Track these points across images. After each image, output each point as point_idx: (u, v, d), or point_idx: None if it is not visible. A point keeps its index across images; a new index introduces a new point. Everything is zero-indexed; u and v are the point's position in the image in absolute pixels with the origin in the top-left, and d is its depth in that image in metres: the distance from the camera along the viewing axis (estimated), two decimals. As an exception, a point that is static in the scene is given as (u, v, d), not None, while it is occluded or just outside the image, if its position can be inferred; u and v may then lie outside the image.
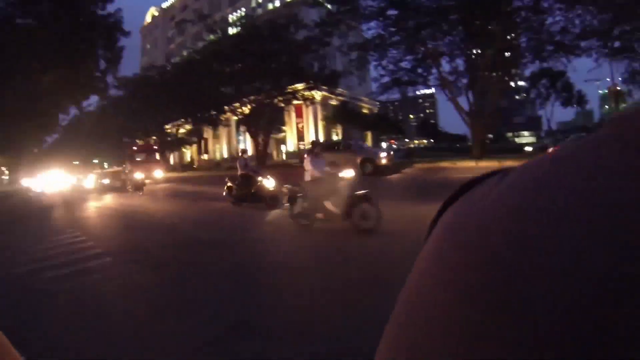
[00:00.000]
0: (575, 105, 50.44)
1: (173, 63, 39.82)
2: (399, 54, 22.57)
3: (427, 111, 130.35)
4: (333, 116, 37.45)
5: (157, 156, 31.89)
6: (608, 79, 34.99)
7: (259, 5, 48.66)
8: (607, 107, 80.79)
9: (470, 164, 18.16)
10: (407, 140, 61.32)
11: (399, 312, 0.20)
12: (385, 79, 22.96)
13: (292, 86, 30.70)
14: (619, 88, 32.36)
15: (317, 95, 33.81)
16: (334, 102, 39.02)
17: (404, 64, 22.75)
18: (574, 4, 18.99)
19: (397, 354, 0.19)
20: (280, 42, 27.91)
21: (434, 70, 22.70)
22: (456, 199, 0.23)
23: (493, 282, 0.16)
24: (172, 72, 35.65)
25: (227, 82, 31.03)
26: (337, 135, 38.56)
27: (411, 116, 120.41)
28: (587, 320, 0.13)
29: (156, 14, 71.63)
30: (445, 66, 32.49)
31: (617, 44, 21.25)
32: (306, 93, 31.05)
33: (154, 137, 39.83)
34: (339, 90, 36.36)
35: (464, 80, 22.97)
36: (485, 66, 21.03)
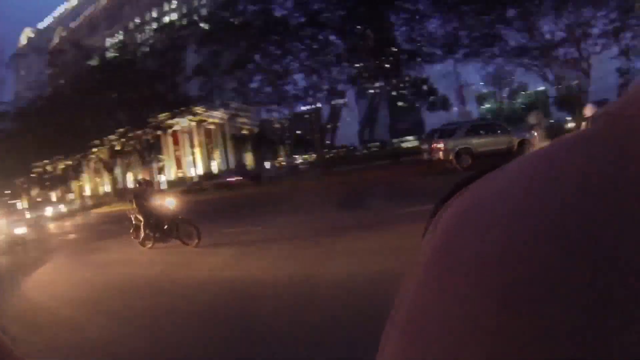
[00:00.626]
0: (441, 109, 55.14)
1: (44, 93, 37.46)
2: (246, 76, 23.21)
3: (313, 126, 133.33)
4: (210, 140, 37.92)
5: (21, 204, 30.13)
6: (482, 83, 39.59)
7: (136, 29, 47.69)
8: (482, 106, 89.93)
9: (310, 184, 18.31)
10: (296, 156, 63.06)
11: (403, 317, 0.20)
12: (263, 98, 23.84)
13: (154, 117, 30.08)
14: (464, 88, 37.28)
15: (184, 122, 33.67)
16: (211, 127, 39.49)
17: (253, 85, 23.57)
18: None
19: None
20: (134, 71, 27.39)
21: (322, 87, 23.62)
22: (452, 195, 0.23)
23: (499, 277, 0.16)
24: (43, 103, 33.07)
25: (93, 114, 30.18)
26: (216, 159, 39.08)
27: (298, 132, 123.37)
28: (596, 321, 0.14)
29: (32, 35, 66.94)
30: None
31: (465, 50, 24.04)
32: (170, 122, 31.04)
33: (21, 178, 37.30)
34: (216, 113, 36.61)
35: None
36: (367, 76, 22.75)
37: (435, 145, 15.20)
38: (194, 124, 35.04)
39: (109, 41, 41.28)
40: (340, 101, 24.43)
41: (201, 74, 23.32)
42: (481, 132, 15.60)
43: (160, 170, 40.74)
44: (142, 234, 8.29)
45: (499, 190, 0.20)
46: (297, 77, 23.71)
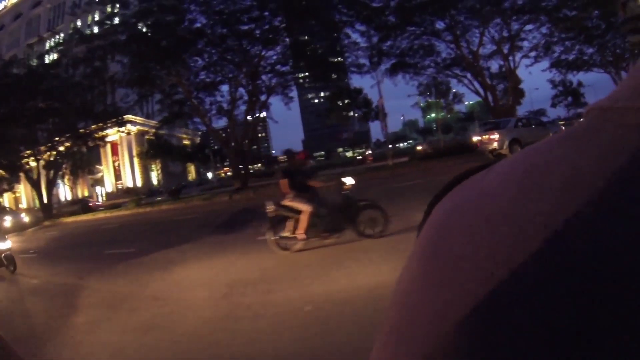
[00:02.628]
0: (374, 120, 56.40)
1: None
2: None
3: (260, 135, 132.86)
4: (149, 151, 36.92)
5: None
6: (424, 95, 41.09)
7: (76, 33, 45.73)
8: (428, 116, 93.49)
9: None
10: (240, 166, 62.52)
11: (393, 314, 0.20)
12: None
13: (85, 128, 29.14)
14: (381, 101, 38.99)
15: (125, 132, 33.14)
16: (150, 137, 38.12)
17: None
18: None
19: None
20: (58, 79, 26.08)
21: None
22: (445, 194, 0.23)
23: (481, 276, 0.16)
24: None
25: (21, 123, 28.67)
26: (156, 171, 38.34)
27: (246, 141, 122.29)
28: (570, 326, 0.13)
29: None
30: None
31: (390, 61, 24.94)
32: (102, 133, 29.97)
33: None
34: (153, 122, 35.58)
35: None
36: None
37: (490, 136, 17.62)
38: (132, 134, 34.24)
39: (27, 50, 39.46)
40: (263, 113, 24.57)
41: (122, 85, 22.93)
42: (525, 125, 18.36)
43: (98, 182, 39.44)
44: (303, 226, 5.87)
45: (487, 189, 0.20)
46: (223, 89, 24.01)
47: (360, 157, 40.78)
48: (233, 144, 22.61)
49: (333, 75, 26.31)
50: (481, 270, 0.16)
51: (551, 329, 0.14)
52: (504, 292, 0.15)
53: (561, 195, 0.16)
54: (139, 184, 36.19)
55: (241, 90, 23.17)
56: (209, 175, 41.90)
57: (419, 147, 25.33)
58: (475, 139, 18.97)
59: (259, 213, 10.11)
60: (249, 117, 23.29)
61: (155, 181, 38.02)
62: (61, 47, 28.43)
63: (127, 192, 31.87)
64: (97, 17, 29.10)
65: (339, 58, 25.36)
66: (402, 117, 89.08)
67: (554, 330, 0.14)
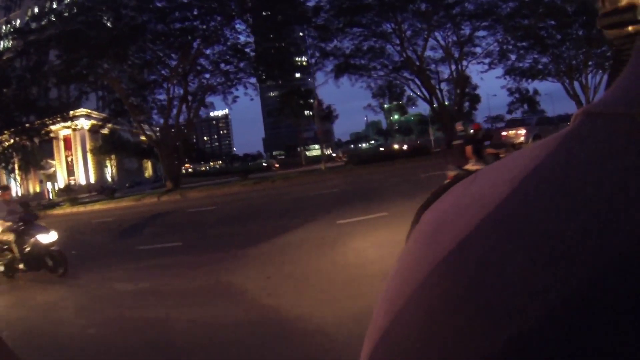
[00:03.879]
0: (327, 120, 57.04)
1: None
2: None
3: (221, 132, 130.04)
4: (103, 146, 36.19)
5: None
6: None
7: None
8: (391, 117, 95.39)
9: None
10: (202, 163, 62.64)
11: (379, 316, 0.20)
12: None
13: (30, 123, 28.29)
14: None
15: (79, 126, 32.16)
16: (105, 131, 37.24)
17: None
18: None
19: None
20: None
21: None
22: (434, 201, 0.23)
23: (464, 284, 0.16)
24: None
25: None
26: (110, 167, 37.66)
27: (206, 138, 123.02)
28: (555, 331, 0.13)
29: None
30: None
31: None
32: (48, 128, 29.07)
33: None
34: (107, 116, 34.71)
35: None
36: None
37: (517, 131, 20.33)
38: (86, 129, 33.52)
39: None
40: (225, 111, 24.64)
41: (57, 81, 22.46)
42: (542, 123, 21.16)
43: (50, 177, 38.28)
44: None
45: (477, 194, 0.20)
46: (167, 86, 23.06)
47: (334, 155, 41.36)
48: (164, 145, 22.06)
49: (277, 74, 26.25)
50: (471, 277, 0.16)
51: (540, 338, 0.14)
52: (495, 299, 0.15)
53: (550, 201, 0.16)
54: (92, 180, 35.50)
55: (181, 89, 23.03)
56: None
57: (334, 155, 26.31)
58: (503, 133, 21.38)
59: (168, 219, 10.70)
60: (181, 118, 23.21)
61: (109, 177, 37.34)
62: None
63: (66, 190, 31.03)
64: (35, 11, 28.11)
65: (284, 57, 25.60)
66: (365, 118, 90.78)
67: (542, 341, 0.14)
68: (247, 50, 22.93)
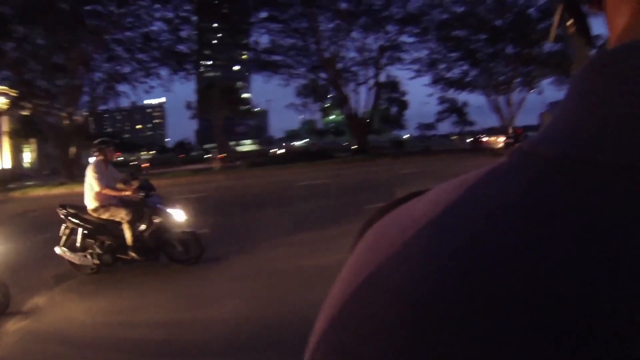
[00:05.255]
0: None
1: None
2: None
3: (155, 121, 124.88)
4: (21, 129, 31.83)
5: None
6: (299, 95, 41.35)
7: None
8: (328, 117, 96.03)
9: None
10: (139, 152, 58.91)
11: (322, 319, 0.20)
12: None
13: None
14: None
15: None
16: (26, 112, 32.87)
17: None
18: None
19: None
20: None
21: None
22: (381, 217, 0.23)
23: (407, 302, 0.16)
24: None
25: None
26: (30, 152, 33.29)
27: (139, 126, 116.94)
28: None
29: None
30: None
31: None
32: None
33: None
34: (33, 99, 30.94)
35: None
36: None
37: (497, 139, 23.47)
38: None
39: None
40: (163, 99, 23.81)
41: None
42: (517, 134, 22.79)
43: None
44: None
45: (416, 217, 0.19)
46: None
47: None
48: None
49: (187, 66, 26.04)
50: (394, 304, 0.16)
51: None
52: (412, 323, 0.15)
53: (477, 232, 0.16)
54: (9, 165, 31.32)
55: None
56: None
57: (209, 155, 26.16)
58: (484, 139, 24.38)
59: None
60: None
61: (27, 164, 33.17)
62: None
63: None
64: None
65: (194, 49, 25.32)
66: (301, 117, 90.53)
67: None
68: (161, 39, 22.96)
